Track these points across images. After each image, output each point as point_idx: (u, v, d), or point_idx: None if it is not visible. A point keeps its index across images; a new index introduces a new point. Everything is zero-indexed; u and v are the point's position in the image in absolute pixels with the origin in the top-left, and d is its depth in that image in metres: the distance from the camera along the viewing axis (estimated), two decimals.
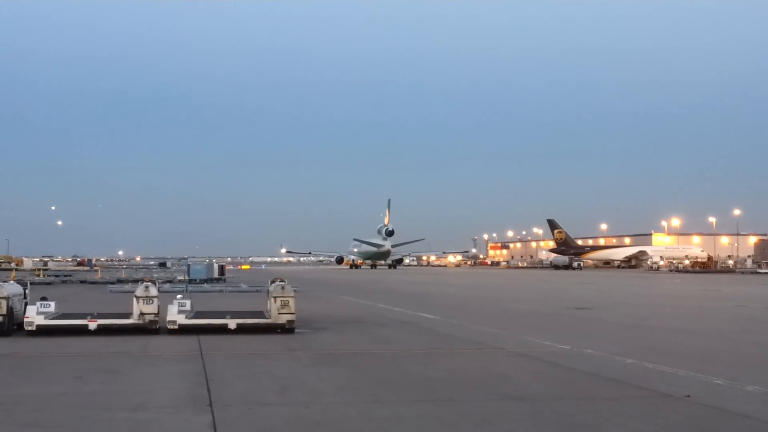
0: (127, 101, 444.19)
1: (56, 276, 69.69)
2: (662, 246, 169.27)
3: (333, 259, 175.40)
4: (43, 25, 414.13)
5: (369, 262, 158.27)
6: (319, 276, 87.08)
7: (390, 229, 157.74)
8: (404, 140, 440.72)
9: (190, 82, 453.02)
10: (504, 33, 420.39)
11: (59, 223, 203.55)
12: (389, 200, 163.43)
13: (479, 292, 47.89)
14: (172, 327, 19.12)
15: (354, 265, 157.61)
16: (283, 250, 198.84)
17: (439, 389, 11.76)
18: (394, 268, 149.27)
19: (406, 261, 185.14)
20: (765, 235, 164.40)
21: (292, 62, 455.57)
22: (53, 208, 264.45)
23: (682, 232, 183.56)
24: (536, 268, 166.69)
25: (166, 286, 42.95)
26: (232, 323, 19.34)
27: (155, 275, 63.94)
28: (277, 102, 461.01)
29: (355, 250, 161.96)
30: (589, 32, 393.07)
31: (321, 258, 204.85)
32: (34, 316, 18.81)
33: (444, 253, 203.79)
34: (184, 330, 19.10)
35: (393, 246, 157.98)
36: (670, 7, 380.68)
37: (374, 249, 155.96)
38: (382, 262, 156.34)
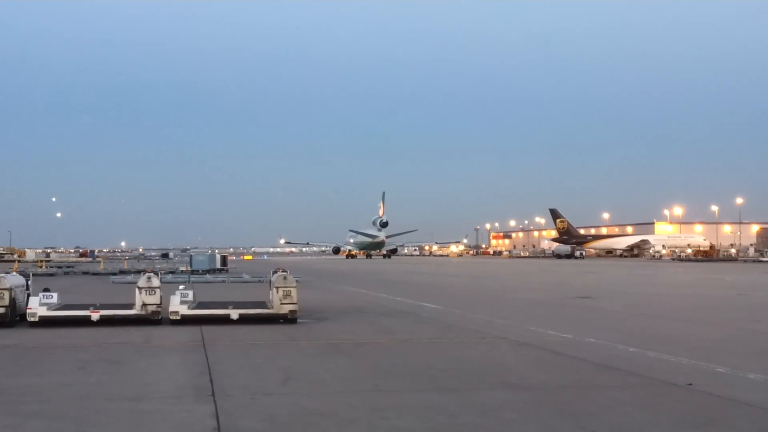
0: (130, 93, 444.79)
1: (59, 267, 69.74)
2: (664, 235, 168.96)
3: (330, 249, 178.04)
4: (47, 18, 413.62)
5: (364, 252, 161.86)
6: (319, 266, 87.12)
7: (384, 220, 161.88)
8: (404, 131, 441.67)
9: (192, 77, 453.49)
10: (505, 22, 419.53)
11: (58, 215, 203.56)
12: (383, 193, 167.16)
13: (481, 282, 47.88)
14: (174, 317, 19.15)
15: (350, 255, 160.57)
16: (282, 241, 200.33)
17: (441, 379, 11.76)
18: (389, 258, 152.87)
19: (405, 251, 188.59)
20: (767, 223, 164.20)
21: (291, 58, 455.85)
22: (54, 199, 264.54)
23: (685, 221, 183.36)
24: (538, 257, 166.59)
25: (169, 277, 42.92)
26: (234, 314, 19.36)
27: (158, 266, 63.99)
28: (277, 97, 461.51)
29: (351, 240, 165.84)
30: (589, 22, 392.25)
31: (323, 248, 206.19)
32: (37, 307, 18.84)
33: (437, 243, 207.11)
34: (186, 320, 19.12)
35: (387, 237, 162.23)
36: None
37: (369, 240, 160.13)
38: (377, 252, 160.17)
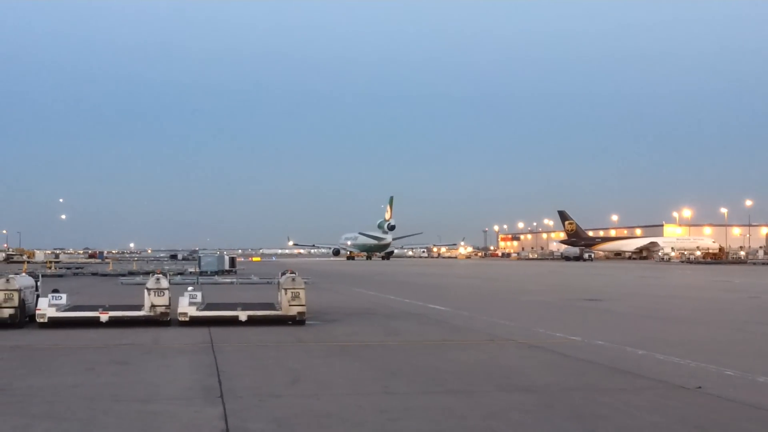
0: (139, 95, 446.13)
1: (68, 268, 70.03)
2: (673, 237, 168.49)
3: (330, 251, 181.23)
4: (53, 18, 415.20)
5: (365, 253, 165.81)
6: (327, 268, 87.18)
7: (392, 223, 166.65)
8: (412, 132, 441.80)
9: (199, 77, 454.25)
10: (512, 21, 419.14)
11: (63, 216, 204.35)
12: (391, 197, 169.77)
13: (489, 284, 47.82)
14: (183, 319, 19.17)
15: (350, 257, 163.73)
16: (291, 243, 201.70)
17: (449, 381, 11.74)
18: (388, 259, 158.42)
19: (411, 252, 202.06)
20: None
21: (300, 59, 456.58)
22: (61, 200, 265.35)
23: (694, 223, 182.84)
24: (547, 259, 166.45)
25: (177, 278, 43.03)
26: (243, 315, 19.38)
27: (166, 267, 64.20)
28: (285, 99, 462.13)
29: (349, 243, 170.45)
30: (598, 20, 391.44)
31: (330, 250, 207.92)
32: (46, 308, 18.90)
33: (435, 245, 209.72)
34: (195, 322, 19.14)
35: (394, 239, 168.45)
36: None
37: (375, 242, 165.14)
38: (377, 254, 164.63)
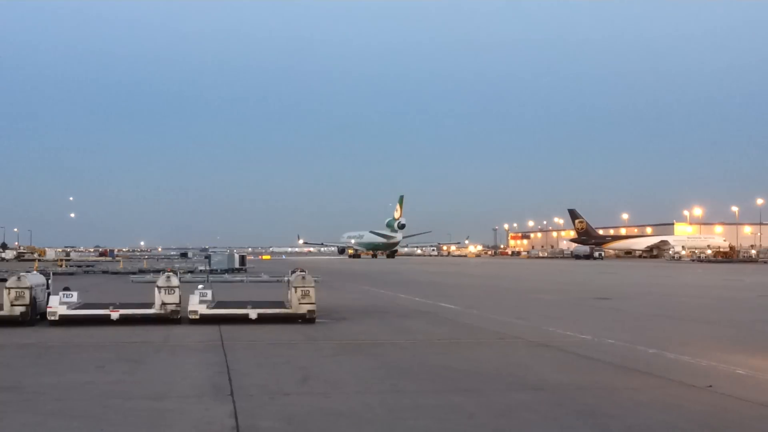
0: (149, 95, 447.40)
1: (78, 266, 70.26)
2: (684, 235, 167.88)
3: (335, 249, 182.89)
4: (59, 20, 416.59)
5: (371, 252, 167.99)
6: (336, 266, 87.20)
7: (402, 222, 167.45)
8: (422, 131, 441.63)
9: (209, 77, 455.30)
10: (522, 22, 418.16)
11: (72, 215, 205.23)
12: (401, 196, 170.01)
13: (499, 282, 47.74)
14: (193, 317, 19.21)
15: (355, 255, 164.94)
16: (301, 241, 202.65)
17: (459, 379, 11.73)
18: (393, 257, 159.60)
19: (419, 251, 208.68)
20: None
21: (307, 59, 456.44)
22: (71, 198, 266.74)
23: (704, 222, 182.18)
24: (557, 257, 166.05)
25: (188, 277, 43.07)
26: (253, 313, 19.40)
27: (177, 265, 64.27)
28: (296, 99, 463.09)
29: (353, 241, 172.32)
30: (605, 18, 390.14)
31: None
32: (57, 306, 18.97)
33: (444, 244, 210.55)
34: (205, 320, 19.18)
35: (404, 237, 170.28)
36: None
37: (383, 240, 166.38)
38: (383, 252, 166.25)
